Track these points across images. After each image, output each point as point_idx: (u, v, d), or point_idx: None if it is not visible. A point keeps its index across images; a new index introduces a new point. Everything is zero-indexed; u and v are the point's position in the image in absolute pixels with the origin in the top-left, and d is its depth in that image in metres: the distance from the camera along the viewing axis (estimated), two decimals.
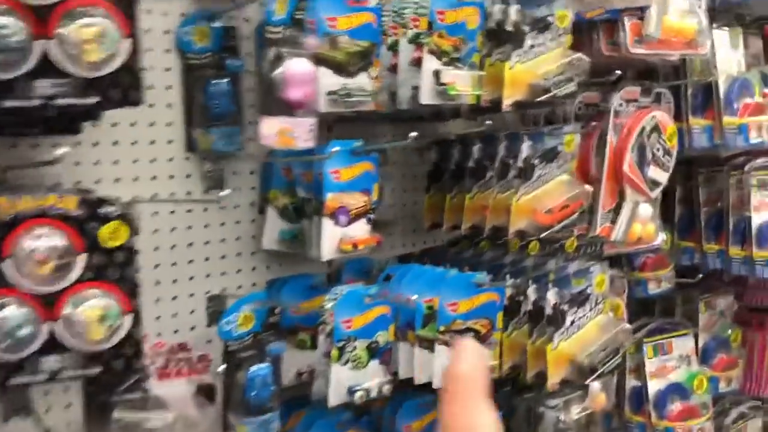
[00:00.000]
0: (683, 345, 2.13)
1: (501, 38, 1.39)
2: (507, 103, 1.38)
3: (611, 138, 1.71)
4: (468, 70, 1.37)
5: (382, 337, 1.39)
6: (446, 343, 1.38)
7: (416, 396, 1.53)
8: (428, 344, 1.39)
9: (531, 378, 1.43)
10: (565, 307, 1.39)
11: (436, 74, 1.32)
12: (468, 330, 1.40)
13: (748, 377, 2.37)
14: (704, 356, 2.24)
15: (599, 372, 1.39)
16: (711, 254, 2.16)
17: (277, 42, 1.19)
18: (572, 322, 1.40)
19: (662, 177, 1.79)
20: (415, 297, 1.39)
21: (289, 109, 1.17)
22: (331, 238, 1.33)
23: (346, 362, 1.35)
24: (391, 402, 1.54)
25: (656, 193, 1.78)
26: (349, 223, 1.36)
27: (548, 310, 1.39)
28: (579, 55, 1.44)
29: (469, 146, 1.51)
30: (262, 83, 1.18)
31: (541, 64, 1.41)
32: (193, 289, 1.46)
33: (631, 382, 2.10)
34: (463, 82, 1.35)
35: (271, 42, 1.21)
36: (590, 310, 1.43)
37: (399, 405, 1.52)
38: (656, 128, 1.74)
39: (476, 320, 1.41)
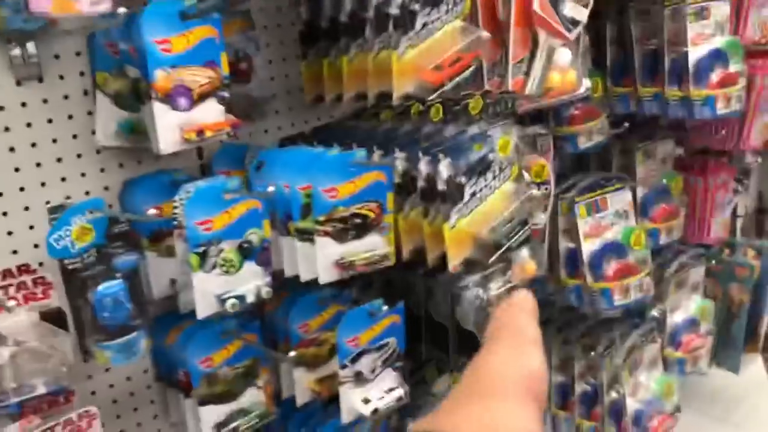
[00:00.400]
0: (619, 200, 1.97)
1: None
2: None
3: None
4: None
5: (256, 234, 1.19)
6: (328, 234, 1.19)
7: (311, 292, 1.36)
8: (309, 237, 1.19)
9: (432, 261, 1.26)
10: (462, 179, 1.19)
11: None
12: (354, 216, 1.20)
13: (690, 225, 2.25)
14: (643, 208, 2.10)
15: (505, 247, 1.22)
16: (647, 98, 1.97)
17: None
18: (472, 195, 1.21)
19: (581, 14, 1.54)
20: (286, 185, 1.19)
21: None
22: (170, 127, 1.10)
23: (213, 268, 1.16)
24: (283, 301, 1.38)
25: (575, 33, 1.55)
26: (193, 105, 1.12)
27: (441, 185, 1.19)
28: None
29: None
30: None
31: None
32: (26, 201, 1.23)
33: (564, 244, 1.96)
34: None
35: None
36: (494, 178, 1.24)
37: (292, 304, 1.35)
38: None
39: (362, 204, 1.21)
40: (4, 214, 1.22)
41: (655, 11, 1.89)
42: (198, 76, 1.12)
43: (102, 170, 1.31)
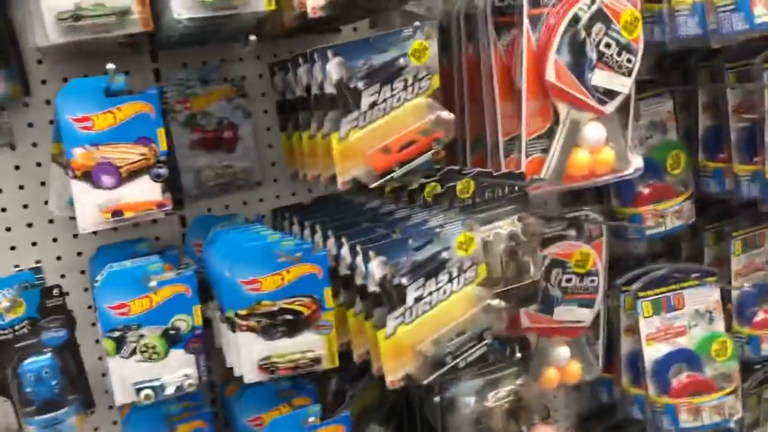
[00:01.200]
0: (701, 298, 1.64)
1: None
2: (312, 5, 1.00)
3: (528, 37, 1.24)
4: None
5: (184, 321, 1.12)
6: (252, 329, 1.08)
7: (267, 383, 1.25)
8: (234, 328, 1.09)
9: (378, 370, 1.09)
10: (404, 280, 1.01)
11: None
12: (283, 311, 1.08)
13: None
14: (741, 310, 1.72)
15: (449, 366, 1.02)
16: (744, 178, 1.62)
17: None
18: (417, 299, 1.03)
19: (620, 83, 1.29)
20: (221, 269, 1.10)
21: None
22: (88, 206, 1.05)
23: (132, 354, 1.10)
24: (238, 388, 1.28)
25: (612, 106, 1.30)
26: (120, 183, 1.07)
27: (372, 286, 1.02)
28: None
29: (293, 70, 1.15)
30: None
31: None
32: None
33: (627, 345, 1.66)
34: None
35: None
36: (449, 281, 1.05)
37: (243, 393, 1.25)
38: (600, 16, 1.24)
39: (293, 299, 1.08)
40: None
41: (755, 73, 1.55)
42: (128, 153, 1.08)
43: (75, 236, 1.31)
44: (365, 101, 1.03)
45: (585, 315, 1.52)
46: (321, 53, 1.04)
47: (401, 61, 1.05)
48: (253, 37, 1.01)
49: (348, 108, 1.03)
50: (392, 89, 1.05)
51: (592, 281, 1.51)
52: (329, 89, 1.03)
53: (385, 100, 1.05)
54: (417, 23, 1.03)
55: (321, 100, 1.07)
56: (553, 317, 1.49)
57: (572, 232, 1.50)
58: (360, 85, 1.03)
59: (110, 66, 0.98)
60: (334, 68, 1.01)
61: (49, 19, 0.98)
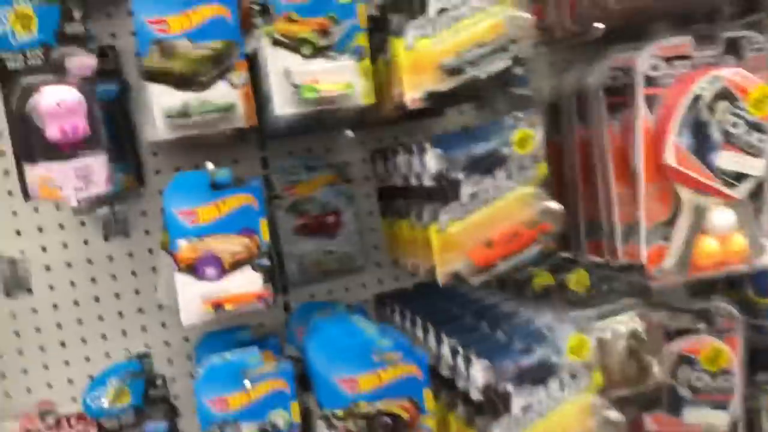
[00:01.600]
0: None
1: None
2: (411, 98, 0.98)
3: (644, 118, 1.16)
4: (348, 58, 0.99)
5: (281, 417, 1.09)
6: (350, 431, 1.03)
7: None
8: (330, 428, 1.05)
9: None
10: (509, 387, 0.94)
11: (287, 73, 0.97)
12: (381, 414, 1.03)
13: None
14: None
15: None
16: None
17: (25, 71, 0.95)
18: (525, 409, 0.94)
19: (750, 165, 1.17)
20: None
21: (53, 151, 0.92)
22: (191, 298, 1.06)
23: None
24: None
25: (742, 189, 1.18)
26: (223, 274, 1.08)
27: (475, 393, 0.95)
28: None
29: (392, 158, 1.12)
30: (14, 123, 0.95)
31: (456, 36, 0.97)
32: (107, 347, 1.30)
33: None
34: (332, 78, 0.98)
35: (15, 73, 0.93)
36: (560, 389, 0.95)
37: None
38: (725, 94, 1.14)
39: (391, 401, 1.02)
40: (87, 359, 1.29)
41: None
42: (231, 245, 1.08)
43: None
44: (465, 192, 0.99)
45: (720, 418, 1.36)
46: (419, 145, 1.01)
47: (504, 150, 1.00)
48: (350, 133, 1.00)
49: (447, 199, 0.99)
50: (494, 179, 1.00)
51: (726, 380, 1.36)
52: (428, 181, 0.99)
53: (486, 191, 1.00)
54: (520, 114, 0.98)
55: (419, 191, 1.04)
56: (682, 421, 1.34)
57: (702, 325, 1.36)
58: (460, 176, 0.98)
59: (210, 166, 0.99)
60: (432, 161, 0.98)
61: (159, 116, 1.01)
